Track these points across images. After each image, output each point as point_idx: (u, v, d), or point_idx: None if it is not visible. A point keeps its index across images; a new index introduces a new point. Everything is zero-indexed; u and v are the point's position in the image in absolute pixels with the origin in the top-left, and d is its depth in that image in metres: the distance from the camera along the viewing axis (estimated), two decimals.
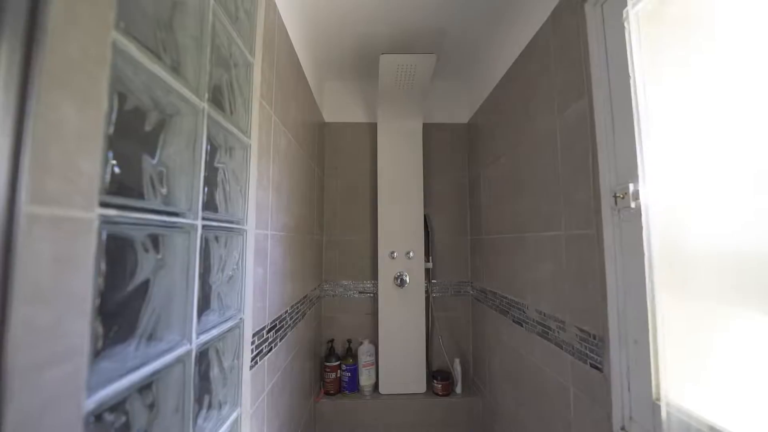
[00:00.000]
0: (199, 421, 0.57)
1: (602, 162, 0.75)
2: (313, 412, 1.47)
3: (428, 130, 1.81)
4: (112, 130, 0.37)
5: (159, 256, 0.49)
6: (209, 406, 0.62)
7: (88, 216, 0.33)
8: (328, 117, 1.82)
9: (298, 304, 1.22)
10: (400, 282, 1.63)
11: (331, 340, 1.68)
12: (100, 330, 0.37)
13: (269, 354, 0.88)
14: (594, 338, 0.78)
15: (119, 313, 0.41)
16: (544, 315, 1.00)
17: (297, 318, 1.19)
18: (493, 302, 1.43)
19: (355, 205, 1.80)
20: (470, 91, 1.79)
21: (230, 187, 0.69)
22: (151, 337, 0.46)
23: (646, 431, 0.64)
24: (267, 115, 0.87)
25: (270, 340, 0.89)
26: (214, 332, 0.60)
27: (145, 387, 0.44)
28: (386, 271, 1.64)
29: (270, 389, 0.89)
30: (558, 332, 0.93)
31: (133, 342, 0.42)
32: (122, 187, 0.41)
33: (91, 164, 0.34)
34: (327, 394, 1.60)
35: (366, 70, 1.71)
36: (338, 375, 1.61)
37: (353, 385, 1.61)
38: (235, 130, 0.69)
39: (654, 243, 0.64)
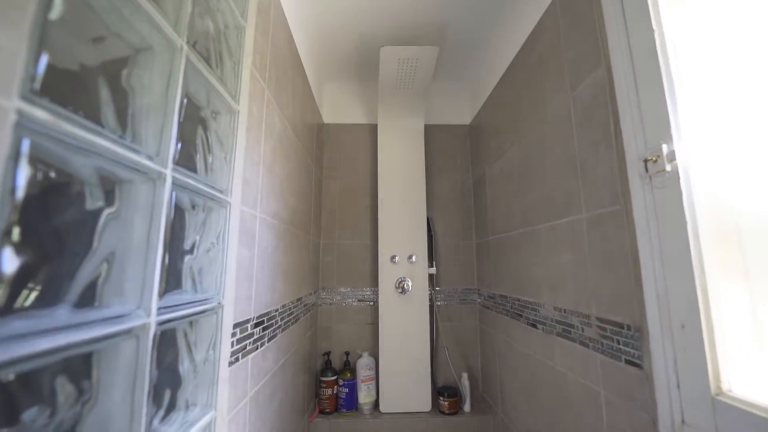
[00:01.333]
0: (155, 422, 0.46)
1: (626, 128, 0.68)
2: None
3: (430, 131, 1.77)
4: (55, 16, 0.30)
5: (113, 209, 0.41)
6: (172, 404, 0.51)
7: (1, 103, 0.25)
8: (328, 118, 1.78)
9: (291, 306, 1.11)
10: (402, 288, 1.52)
11: (328, 353, 1.54)
12: (13, 267, 0.28)
13: (255, 353, 0.77)
14: (628, 329, 0.67)
15: (46, 257, 0.32)
16: (564, 312, 0.90)
17: (289, 321, 1.08)
18: (504, 306, 1.32)
19: (354, 208, 1.72)
20: (472, 91, 1.77)
21: (213, 152, 0.62)
22: (92, 299, 0.37)
23: None
24: (259, 88, 0.81)
25: (256, 336, 0.78)
26: (183, 311, 0.50)
27: (77, 360, 0.35)
28: (387, 276, 1.54)
29: (254, 394, 0.77)
30: (582, 329, 0.82)
31: (64, 298, 0.33)
32: (66, 97, 0.33)
33: (14, 41, 0.26)
34: (322, 412, 1.44)
35: (366, 70, 1.69)
36: (335, 391, 1.46)
37: (351, 402, 1.46)
38: (220, 89, 0.62)
39: (697, 207, 0.55)
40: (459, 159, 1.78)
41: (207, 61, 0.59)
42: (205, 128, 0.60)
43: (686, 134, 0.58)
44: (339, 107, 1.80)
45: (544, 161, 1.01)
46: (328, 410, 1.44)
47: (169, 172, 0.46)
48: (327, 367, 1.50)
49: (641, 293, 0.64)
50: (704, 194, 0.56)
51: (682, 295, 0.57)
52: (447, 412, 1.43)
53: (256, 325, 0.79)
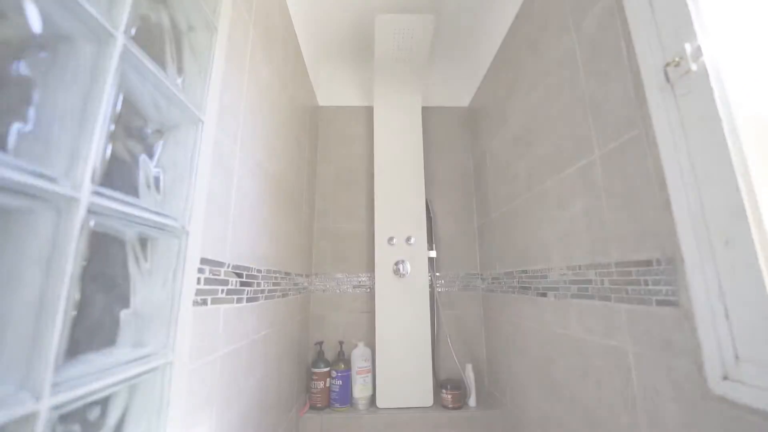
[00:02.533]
0: (79, 335, 0.37)
1: (639, 41, 0.61)
2: (295, 429, 1.18)
3: (428, 114, 1.73)
4: None
5: (43, 55, 0.34)
6: (113, 327, 0.42)
7: None
8: (323, 101, 1.75)
9: (278, 276, 1.01)
10: (400, 272, 1.42)
11: (320, 343, 1.42)
12: None
13: (229, 305, 0.68)
14: (658, 263, 0.58)
15: None
16: (579, 268, 0.81)
17: (275, 290, 0.98)
18: (510, 284, 1.22)
19: (350, 191, 1.65)
20: (470, 72, 1.73)
21: (184, 60, 0.55)
22: (3, 142, 0.29)
23: None
24: (243, 22, 0.76)
25: (231, 287, 0.69)
26: (128, 210, 0.42)
27: None
28: (384, 258, 1.44)
29: (227, 355, 0.66)
30: (601, 281, 0.73)
31: None
32: None
33: None
34: (313, 408, 1.31)
35: (361, 49, 1.67)
36: (327, 384, 1.33)
37: (345, 396, 1.33)
38: None
39: (733, 103, 0.48)
40: (458, 141, 1.73)
41: None
42: (176, 29, 0.54)
43: (712, 28, 0.51)
44: (334, 90, 1.77)
45: (549, 113, 0.95)
46: (319, 405, 1.30)
47: (120, 38, 0.40)
48: (319, 358, 1.38)
49: (671, 218, 0.55)
50: (739, 89, 0.49)
51: (723, 207, 0.48)
52: (450, 406, 1.29)
53: (235, 275, 0.70)
